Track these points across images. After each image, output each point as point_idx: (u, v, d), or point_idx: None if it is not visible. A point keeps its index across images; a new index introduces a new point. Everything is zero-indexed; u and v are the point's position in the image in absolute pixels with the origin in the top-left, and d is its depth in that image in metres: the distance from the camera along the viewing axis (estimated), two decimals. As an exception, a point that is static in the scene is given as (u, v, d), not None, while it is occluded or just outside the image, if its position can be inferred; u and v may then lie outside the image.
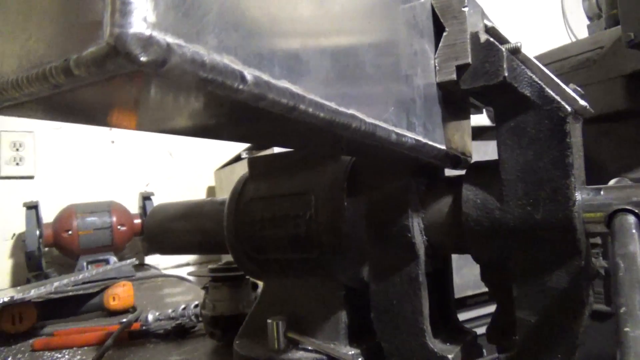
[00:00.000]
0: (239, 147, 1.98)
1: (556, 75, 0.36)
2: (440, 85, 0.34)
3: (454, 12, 0.34)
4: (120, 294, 0.96)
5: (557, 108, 0.34)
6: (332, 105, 0.22)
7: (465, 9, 0.33)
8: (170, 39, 0.14)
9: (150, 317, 0.81)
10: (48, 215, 1.48)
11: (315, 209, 0.44)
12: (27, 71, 0.16)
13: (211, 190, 1.96)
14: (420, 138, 0.31)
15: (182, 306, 0.81)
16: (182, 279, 1.43)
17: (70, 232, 1.46)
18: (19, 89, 0.17)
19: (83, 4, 0.14)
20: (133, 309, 0.97)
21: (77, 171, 1.70)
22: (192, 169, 1.94)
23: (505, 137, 0.35)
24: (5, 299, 0.77)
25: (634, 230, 0.32)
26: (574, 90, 0.35)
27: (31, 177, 1.64)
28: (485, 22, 0.36)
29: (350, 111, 0.23)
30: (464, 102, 0.40)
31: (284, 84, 0.19)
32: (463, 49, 0.33)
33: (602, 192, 0.35)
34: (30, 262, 1.40)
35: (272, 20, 0.19)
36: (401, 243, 0.39)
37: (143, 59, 0.14)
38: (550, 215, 0.34)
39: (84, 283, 0.93)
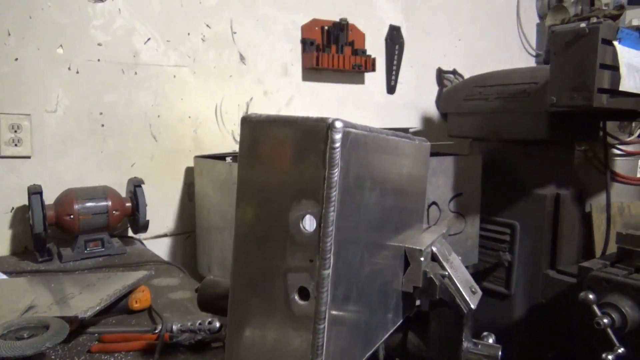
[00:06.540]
0: (217, 145, 2.20)
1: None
2: (403, 292, 0.65)
3: (415, 258, 0.64)
4: (141, 298, 1.25)
5: (458, 309, 0.66)
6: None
7: (422, 259, 0.64)
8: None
9: (174, 328, 1.11)
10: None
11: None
12: None
13: (189, 171, 2.19)
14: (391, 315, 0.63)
15: (199, 321, 1.12)
16: (170, 264, 1.71)
17: (72, 217, 1.68)
18: None
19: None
20: (149, 309, 1.26)
21: (70, 151, 1.88)
22: (173, 152, 2.14)
23: (434, 316, 0.67)
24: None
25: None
26: (470, 296, 0.67)
27: (28, 157, 1.81)
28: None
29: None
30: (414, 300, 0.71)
31: None
32: (418, 278, 0.64)
33: (479, 347, 0.68)
34: (37, 242, 1.62)
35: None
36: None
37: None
38: (450, 358, 0.67)
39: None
